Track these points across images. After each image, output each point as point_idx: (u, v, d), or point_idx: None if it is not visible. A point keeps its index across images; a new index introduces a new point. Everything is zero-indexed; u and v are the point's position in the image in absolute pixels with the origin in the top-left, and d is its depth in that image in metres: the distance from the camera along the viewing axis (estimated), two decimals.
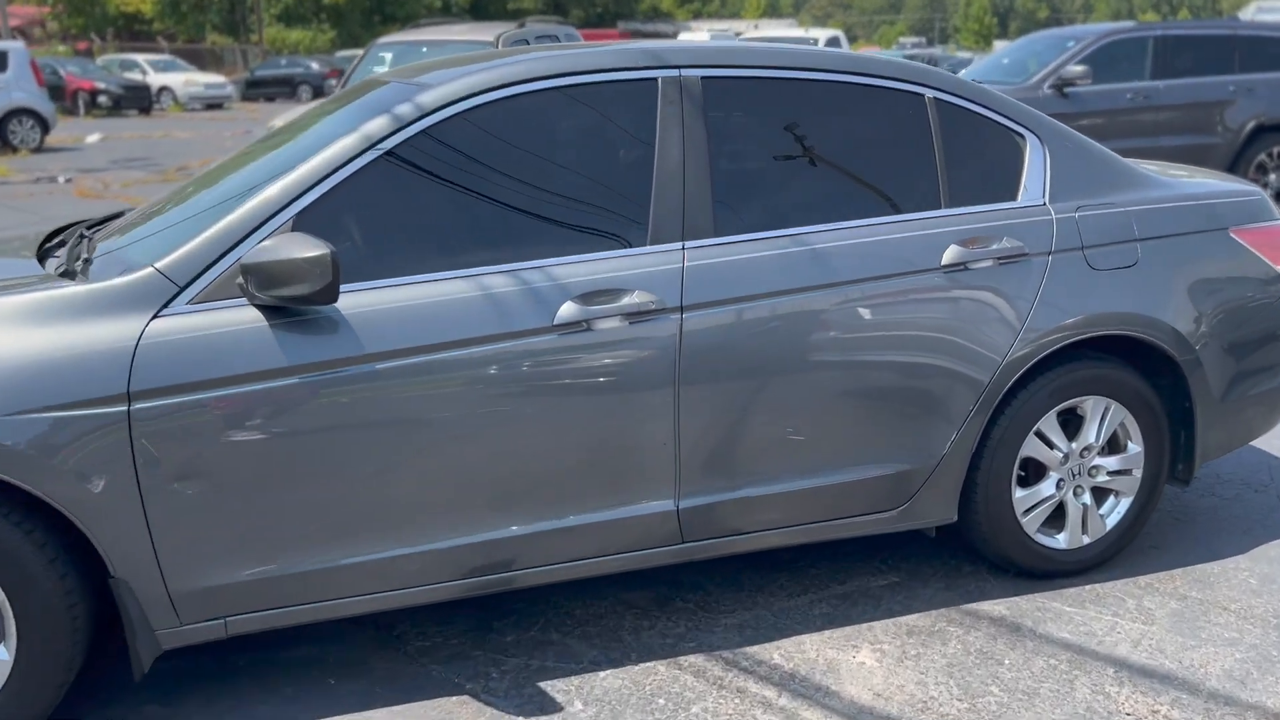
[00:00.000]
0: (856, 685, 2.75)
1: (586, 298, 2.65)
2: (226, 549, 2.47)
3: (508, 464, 2.65)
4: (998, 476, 3.13)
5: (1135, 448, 3.31)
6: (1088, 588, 3.25)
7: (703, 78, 2.89)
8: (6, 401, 2.26)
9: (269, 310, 2.44)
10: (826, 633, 3.00)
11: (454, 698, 2.70)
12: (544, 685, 2.74)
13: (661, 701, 2.69)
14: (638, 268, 2.72)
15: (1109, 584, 3.28)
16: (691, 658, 2.88)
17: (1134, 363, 3.34)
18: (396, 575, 2.63)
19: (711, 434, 2.81)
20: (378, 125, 2.61)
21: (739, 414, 2.82)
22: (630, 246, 2.76)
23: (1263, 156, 9.52)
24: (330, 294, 2.35)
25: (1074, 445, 3.23)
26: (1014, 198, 3.15)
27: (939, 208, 3.05)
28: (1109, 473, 3.29)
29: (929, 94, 3.11)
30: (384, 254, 2.59)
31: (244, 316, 2.43)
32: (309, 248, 2.33)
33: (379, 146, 2.60)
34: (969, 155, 3.15)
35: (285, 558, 2.52)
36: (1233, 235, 3.36)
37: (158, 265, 2.44)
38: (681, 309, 2.72)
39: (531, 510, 2.70)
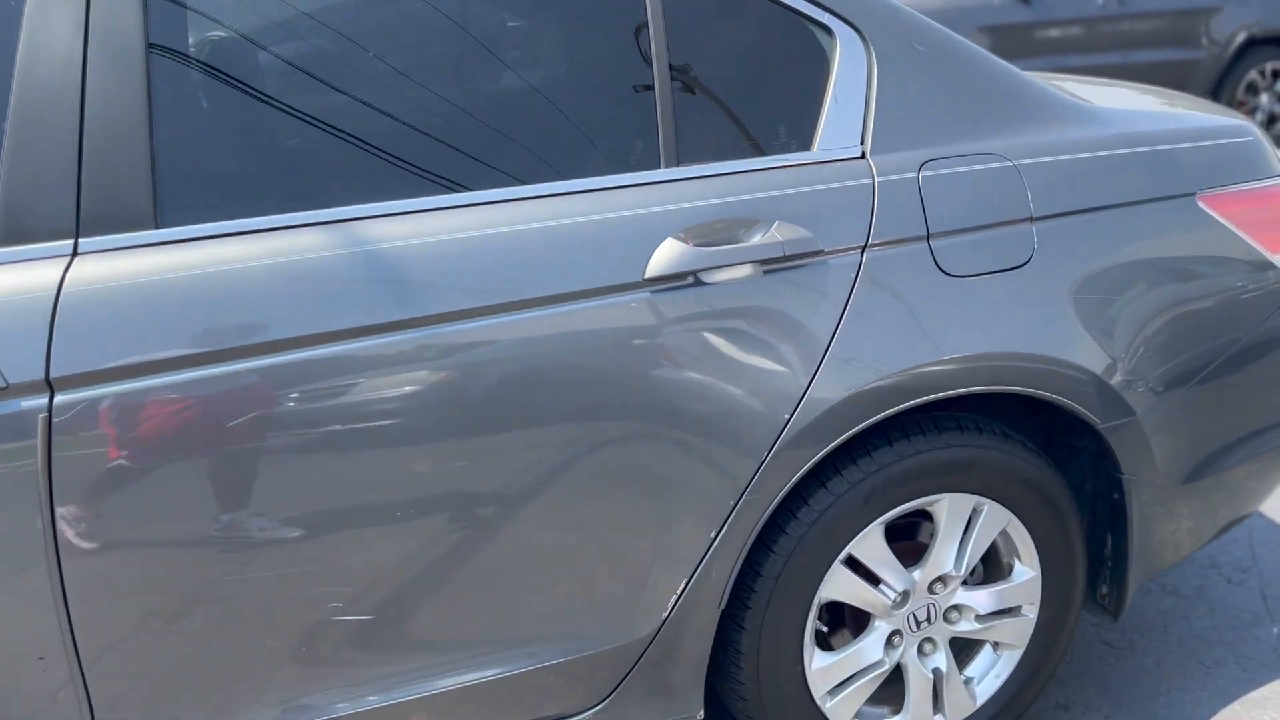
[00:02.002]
0: None
1: None
2: None
3: None
4: (776, 641, 1.77)
5: (1027, 572, 1.94)
6: None
7: None
8: None
9: None
10: None
11: None
12: None
13: None
14: None
15: None
16: None
17: (1027, 433, 1.97)
18: None
19: (131, 652, 1.42)
20: None
21: (209, 587, 1.43)
22: None
23: (1254, 74, 8.05)
24: None
25: (917, 575, 1.86)
26: (807, 145, 1.73)
27: (655, 168, 1.63)
28: (981, 615, 1.94)
29: None
30: None
31: None
32: None
33: None
34: (722, 71, 1.71)
35: None
36: (1202, 204, 1.95)
37: None
38: (50, 389, 1.31)
39: None
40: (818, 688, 1.83)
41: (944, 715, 1.95)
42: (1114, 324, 1.84)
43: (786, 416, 1.62)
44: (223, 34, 1.46)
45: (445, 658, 1.57)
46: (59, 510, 1.32)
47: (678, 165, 1.62)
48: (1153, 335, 1.88)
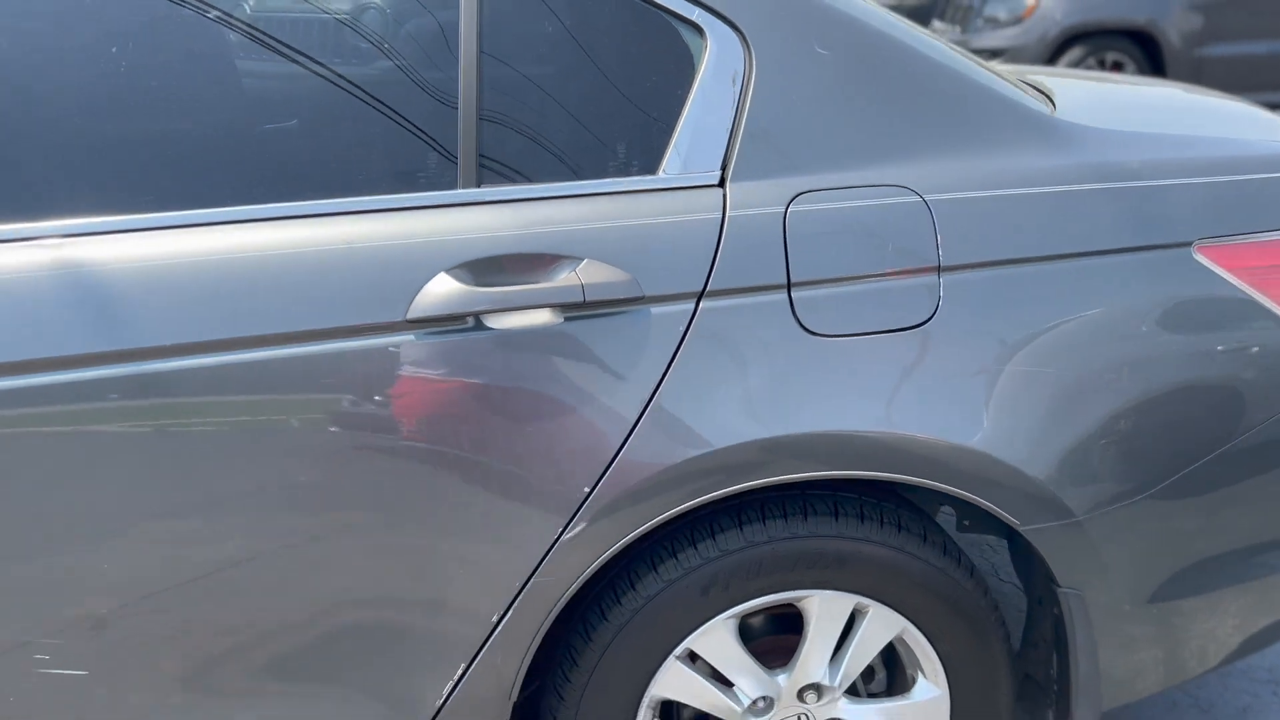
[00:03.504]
0: None
1: None
2: None
3: None
4: None
5: (931, 689, 1.61)
6: None
7: None
8: None
9: None
10: None
11: None
12: None
13: None
14: None
15: None
16: None
17: (928, 519, 1.63)
18: None
19: None
20: None
21: None
22: None
23: None
24: None
25: (784, 679, 1.57)
26: (652, 168, 1.44)
27: (450, 188, 1.40)
28: None
29: None
30: None
31: None
32: None
33: None
34: (551, 77, 1.45)
35: None
36: (1200, 257, 1.54)
37: None
38: None
39: None
40: None
41: None
42: (1054, 404, 1.47)
43: (587, 489, 1.37)
44: None
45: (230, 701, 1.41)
46: None
47: (476, 187, 1.38)
48: (1114, 421, 1.49)
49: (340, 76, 1.40)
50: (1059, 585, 1.55)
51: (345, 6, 1.44)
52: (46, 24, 1.34)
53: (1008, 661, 1.62)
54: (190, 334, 1.28)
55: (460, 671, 1.43)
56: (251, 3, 1.41)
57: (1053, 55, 6.98)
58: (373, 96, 1.40)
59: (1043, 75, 2.12)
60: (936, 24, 8.12)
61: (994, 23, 7.27)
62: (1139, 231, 1.51)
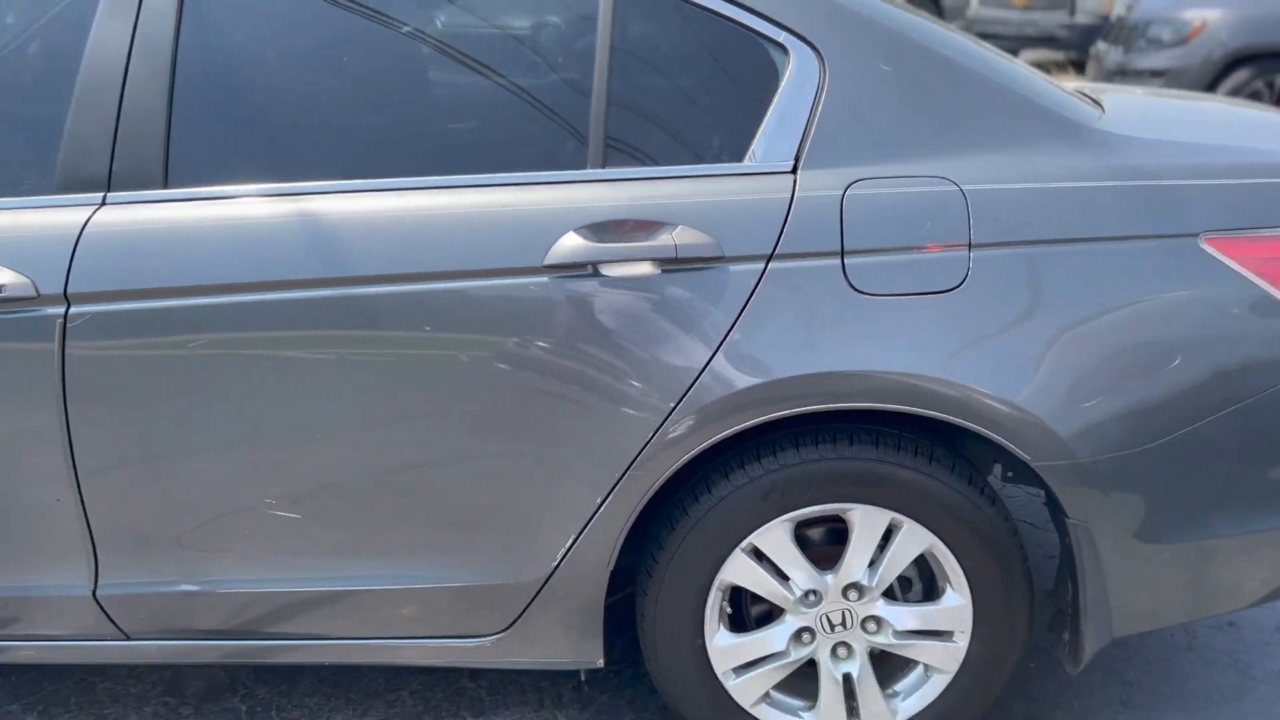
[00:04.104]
0: None
1: None
2: None
3: None
4: (670, 611, 1.91)
5: (956, 599, 1.93)
6: None
7: None
8: None
9: None
10: None
11: None
12: None
13: None
14: (9, 230, 1.79)
15: None
16: None
17: (967, 458, 1.95)
18: None
19: (131, 494, 1.84)
20: None
21: (174, 469, 1.83)
22: (23, 195, 1.82)
23: None
24: None
25: (830, 579, 1.92)
26: (739, 156, 1.83)
27: (582, 168, 1.82)
28: (901, 632, 1.95)
29: None
30: None
31: None
32: None
33: None
34: (665, 82, 1.86)
35: None
36: (1207, 247, 1.81)
37: None
38: (66, 300, 1.76)
39: None
40: (719, 663, 1.95)
41: None
42: (1061, 360, 1.78)
43: (672, 404, 1.77)
44: (229, 43, 1.85)
45: (365, 561, 1.88)
46: (69, 391, 1.77)
47: (602, 167, 1.81)
48: (1117, 380, 1.79)
49: (505, 85, 1.86)
50: (1068, 517, 1.85)
51: (514, 28, 1.90)
52: (308, 44, 1.85)
53: (1025, 581, 1.92)
54: (390, 267, 1.76)
55: (571, 541, 1.85)
56: (441, 20, 1.88)
57: (1217, 78, 6.93)
58: (529, 98, 1.85)
59: (1115, 90, 2.40)
60: (1100, 45, 8.14)
61: (1157, 44, 7.26)
62: (1148, 222, 1.80)
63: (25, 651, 1.97)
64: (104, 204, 1.79)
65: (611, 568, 1.89)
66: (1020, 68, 2.04)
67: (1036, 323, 1.78)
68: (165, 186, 1.80)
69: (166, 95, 1.79)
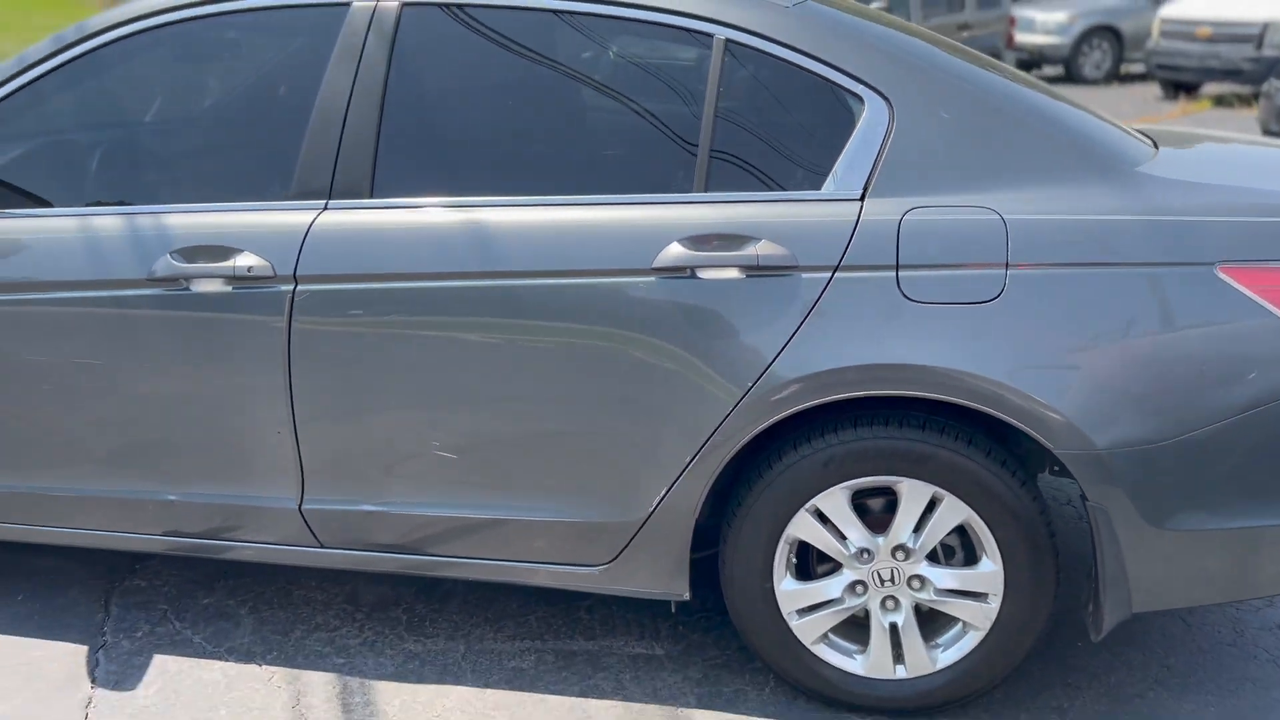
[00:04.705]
0: None
1: (188, 253, 2.36)
2: None
3: (113, 419, 2.48)
4: (745, 557, 2.32)
5: (990, 565, 2.27)
6: None
7: (404, 2, 2.38)
8: None
9: None
10: (499, 693, 2.47)
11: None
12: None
13: (223, 712, 2.41)
14: (256, 225, 2.36)
15: None
16: (313, 675, 2.54)
17: (1005, 445, 2.28)
18: (51, 512, 2.60)
19: (334, 432, 2.39)
20: (38, 47, 2.51)
21: (367, 415, 2.37)
22: (267, 200, 2.40)
23: None
24: None
25: (881, 540, 2.29)
26: (817, 186, 2.24)
27: (688, 191, 2.27)
28: (941, 590, 2.30)
29: (723, 35, 2.28)
30: (21, 181, 2.51)
31: None
32: None
33: (35, 69, 2.49)
34: (761, 123, 2.29)
35: None
36: (1222, 275, 2.10)
37: None
38: (295, 280, 2.32)
39: (145, 474, 2.51)
40: (785, 605, 2.35)
41: (905, 667, 2.35)
42: (1084, 364, 2.11)
43: (749, 384, 2.19)
44: (422, 90, 2.38)
45: (507, 497, 2.38)
46: (292, 348, 2.34)
47: (704, 191, 2.25)
48: (1134, 382, 2.11)
49: (630, 124, 2.34)
50: (1088, 500, 2.17)
51: (639, 80, 2.37)
52: (480, 91, 2.38)
53: (1052, 554, 2.24)
54: (534, 264, 2.25)
55: (665, 491, 2.29)
56: (580, 75, 2.38)
57: None
58: (649, 135, 2.32)
59: (1183, 133, 2.68)
60: (1274, 82, 8.05)
61: None
62: (1168, 251, 2.11)
63: (247, 551, 2.56)
64: (326, 209, 2.35)
65: (696, 516, 2.31)
66: (1072, 110, 2.38)
67: (1062, 331, 2.11)
68: (371, 197, 2.35)
69: (375, 128, 2.34)
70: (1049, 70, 14.83)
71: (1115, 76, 14.69)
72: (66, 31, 2.47)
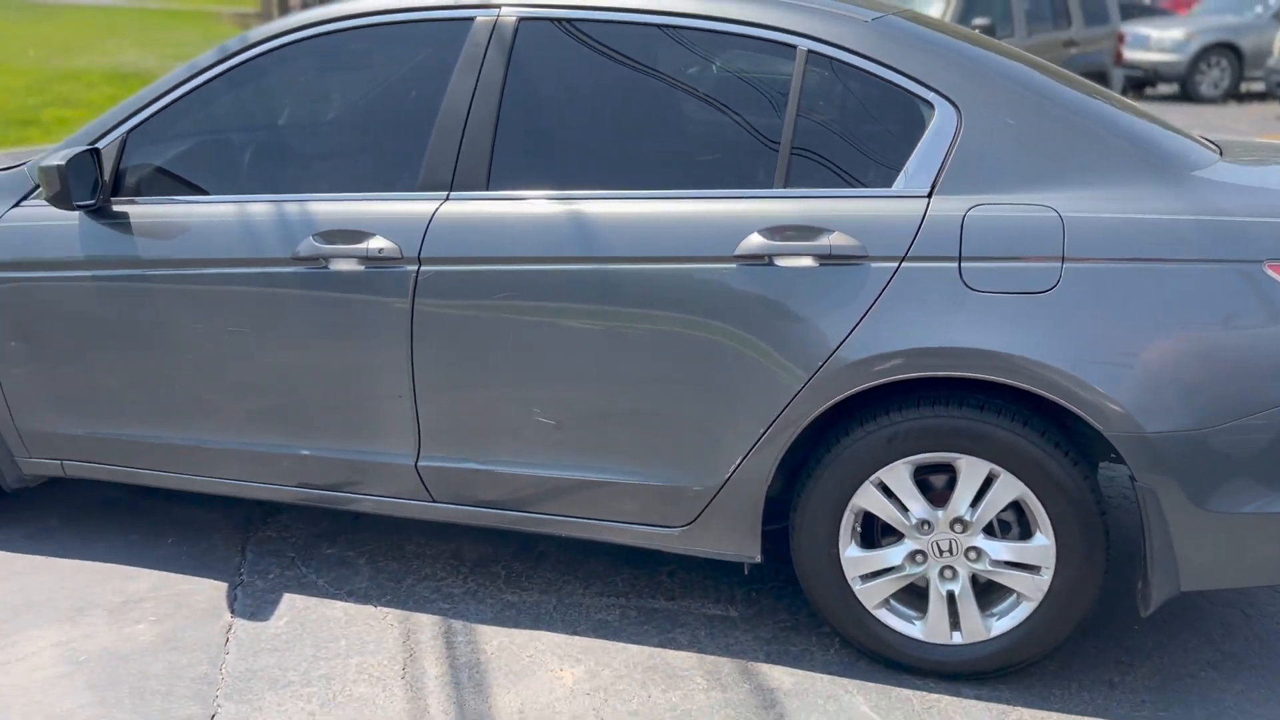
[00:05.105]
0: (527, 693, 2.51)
1: (328, 235, 2.68)
2: (53, 404, 2.99)
3: (257, 381, 2.81)
4: (813, 524, 2.53)
5: (1042, 539, 2.43)
6: (940, 699, 2.51)
7: (521, 18, 2.67)
8: None
9: (82, 210, 2.86)
10: (585, 639, 2.72)
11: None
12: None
13: (344, 643, 2.72)
14: (388, 213, 2.67)
15: (973, 704, 2.49)
16: (422, 616, 2.83)
17: (1058, 425, 2.44)
18: (199, 462, 2.96)
19: (449, 397, 2.68)
20: (206, 56, 2.87)
21: (478, 384, 2.65)
22: (396, 190, 2.71)
23: None
24: (62, 200, 2.71)
25: (940, 513, 2.47)
26: (889, 183, 2.44)
27: (770, 188, 2.49)
28: (996, 562, 2.47)
29: (805, 46, 2.51)
30: (187, 171, 2.87)
31: (52, 213, 2.88)
32: (53, 159, 2.70)
33: (203, 74, 2.85)
34: (838, 126, 2.50)
35: (100, 424, 2.98)
36: (1271, 272, 2.24)
37: (28, 164, 2.99)
38: (419, 261, 2.62)
39: (282, 431, 2.84)
40: (849, 570, 2.55)
41: (960, 634, 2.53)
42: (1134, 352, 2.27)
43: (819, 364, 2.40)
44: (534, 95, 2.67)
45: (599, 461, 2.63)
46: (415, 324, 2.64)
47: (784, 187, 2.47)
48: (1182, 370, 2.26)
49: (719, 125, 2.58)
50: (1136, 481, 2.32)
51: (728, 86, 2.61)
52: (583, 96, 2.66)
53: (1102, 532, 2.39)
54: (629, 251, 2.50)
55: (740, 460, 2.52)
56: (675, 82, 2.63)
57: None
58: (735, 136, 2.56)
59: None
60: None
61: None
62: (1219, 249, 2.26)
63: (367, 503, 2.87)
64: (448, 199, 2.66)
65: (768, 484, 2.53)
66: (1134, 118, 2.54)
67: (1113, 320, 2.28)
68: (487, 189, 2.64)
69: (493, 128, 2.64)
70: (1164, 89, 14.57)
71: (1234, 95, 14.36)
72: (230, 42, 2.83)
